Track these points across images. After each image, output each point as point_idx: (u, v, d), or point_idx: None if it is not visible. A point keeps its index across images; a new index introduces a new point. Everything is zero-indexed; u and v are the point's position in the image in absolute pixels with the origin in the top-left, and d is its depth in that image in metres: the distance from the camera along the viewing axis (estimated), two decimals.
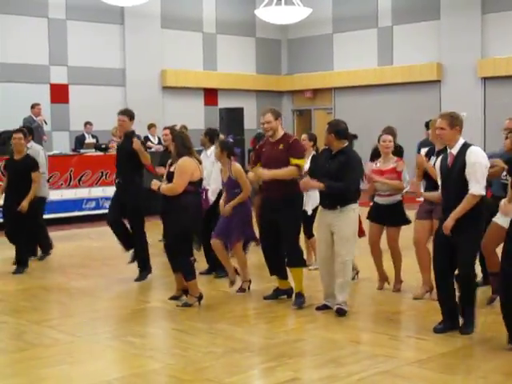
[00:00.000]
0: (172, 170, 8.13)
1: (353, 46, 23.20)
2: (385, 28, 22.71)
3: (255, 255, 10.72)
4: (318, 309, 7.88)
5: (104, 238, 13.78)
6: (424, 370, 5.91)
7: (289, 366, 6.05)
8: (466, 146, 6.77)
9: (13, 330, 7.37)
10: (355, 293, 8.58)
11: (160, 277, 9.67)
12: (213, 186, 9.67)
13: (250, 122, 22.73)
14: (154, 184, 8.06)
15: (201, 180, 8.30)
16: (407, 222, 8.74)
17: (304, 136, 10.05)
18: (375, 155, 9.53)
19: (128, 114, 9.76)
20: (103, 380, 5.78)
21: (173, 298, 8.37)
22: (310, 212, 9.71)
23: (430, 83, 21.56)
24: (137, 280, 9.55)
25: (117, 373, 6.04)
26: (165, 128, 11.73)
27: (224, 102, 22.96)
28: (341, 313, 7.61)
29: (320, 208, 7.95)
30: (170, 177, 8.14)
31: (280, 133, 8.10)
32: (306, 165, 9.68)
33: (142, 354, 6.45)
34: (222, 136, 10.72)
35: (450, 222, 6.67)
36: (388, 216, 8.64)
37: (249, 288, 8.86)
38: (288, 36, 24.94)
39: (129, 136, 9.61)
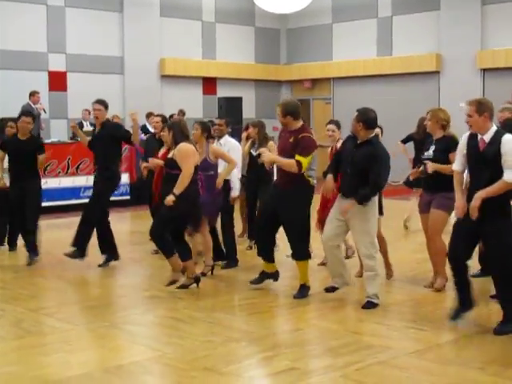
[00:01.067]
0: (171, 156, 8.13)
1: (352, 36, 23.15)
2: (384, 18, 22.66)
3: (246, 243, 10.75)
4: (327, 290, 7.92)
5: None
6: (422, 360, 5.92)
7: (286, 355, 6.05)
8: (499, 133, 6.61)
9: (11, 318, 7.36)
10: (352, 283, 8.54)
11: (157, 266, 9.67)
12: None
13: (249, 112, 22.72)
14: (169, 201, 7.99)
15: (197, 166, 8.30)
16: (382, 213, 8.64)
17: (333, 126, 9.80)
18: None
19: (104, 103, 9.78)
20: (101, 368, 5.79)
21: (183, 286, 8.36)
22: None
23: (429, 74, 21.53)
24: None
25: (114, 361, 6.03)
26: (156, 115, 11.79)
27: (223, 91, 22.93)
28: (369, 306, 7.53)
29: (339, 195, 7.79)
30: (169, 164, 8.13)
31: (297, 124, 7.93)
32: None
33: (140, 343, 6.45)
34: (219, 121, 10.67)
35: (477, 201, 6.41)
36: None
37: (211, 273, 8.99)
38: (287, 25, 24.88)
39: (107, 124, 9.79)
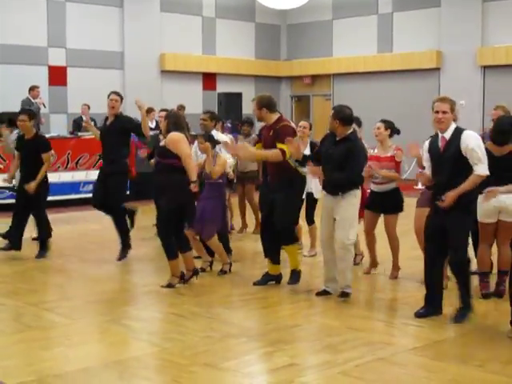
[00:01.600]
0: (162, 144, 8.15)
1: (352, 33, 23.14)
2: (385, 15, 22.64)
3: (250, 242, 10.78)
4: (318, 294, 7.90)
5: (101, 220, 13.79)
6: (420, 357, 5.93)
7: (285, 351, 6.06)
8: (459, 131, 6.78)
9: (11, 312, 7.38)
10: (353, 279, 8.55)
11: (158, 261, 9.67)
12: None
13: (249, 107, 22.66)
14: (194, 187, 8.08)
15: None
16: (400, 209, 8.72)
17: (305, 123, 10.05)
18: None
19: (120, 95, 9.86)
20: (100, 363, 5.80)
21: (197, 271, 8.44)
22: (317, 195, 9.80)
23: (429, 71, 21.52)
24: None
25: (114, 356, 6.04)
26: (161, 110, 11.76)
27: (222, 87, 22.93)
28: (344, 296, 7.64)
29: (323, 193, 7.95)
30: (161, 153, 8.16)
31: (272, 118, 8.07)
32: (305, 152, 9.74)
33: (139, 338, 6.46)
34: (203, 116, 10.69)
35: (453, 196, 6.60)
36: (385, 204, 8.62)
37: (230, 270, 8.99)
38: (287, 21, 24.86)
39: (120, 117, 9.83)
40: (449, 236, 6.79)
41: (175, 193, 8.04)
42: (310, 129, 10.15)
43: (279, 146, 7.88)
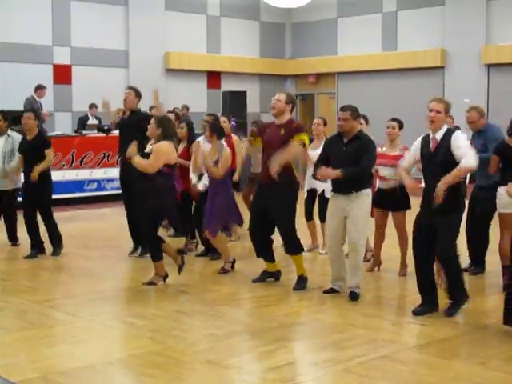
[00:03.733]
0: (148, 151, 8.19)
1: (357, 31, 23.13)
2: (389, 13, 22.63)
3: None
4: (326, 292, 7.91)
5: (105, 219, 13.83)
6: (423, 354, 5.94)
7: (288, 349, 6.09)
8: (450, 131, 6.85)
9: (15, 310, 7.40)
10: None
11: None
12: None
13: (253, 106, 22.73)
14: (131, 152, 8.15)
15: (175, 164, 8.42)
16: (409, 207, 8.76)
17: (319, 120, 10.10)
18: None
19: (135, 90, 9.86)
20: (104, 360, 5.82)
21: (150, 283, 8.37)
22: (328, 195, 9.81)
23: (433, 69, 21.51)
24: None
25: (117, 353, 6.07)
26: (169, 112, 11.78)
27: (227, 86, 22.94)
28: (353, 297, 7.63)
29: (332, 193, 7.87)
30: (145, 157, 8.20)
31: (285, 117, 8.08)
32: (319, 149, 9.80)
33: (143, 335, 6.47)
34: (222, 118, 10.76)
35: (443, 186, 6.60)
36: (392, 201, 8.62)
37: (232, 268, 9.02)
38: (292, 20, 24.85)
39: (137, 112, 9.81)
40: (438, 233, 6.81)
41: (149, 197, 8.11)
42: (325, 125, 10.14)
43: (298, 137, 7.87)
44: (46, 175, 10.03)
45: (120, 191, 10.57)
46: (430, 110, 6.84)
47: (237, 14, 23.68)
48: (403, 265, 8.85)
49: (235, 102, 20.90)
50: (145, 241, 8.45)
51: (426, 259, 7.01)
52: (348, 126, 7.60)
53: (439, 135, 6.83)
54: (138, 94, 9.86)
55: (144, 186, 8.16)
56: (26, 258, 9.91)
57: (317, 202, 10.11)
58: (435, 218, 6.77)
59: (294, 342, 6.37)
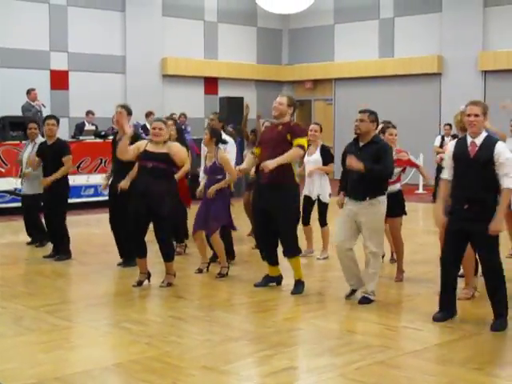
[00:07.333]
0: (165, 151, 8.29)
1: (354, 37, 23.19)
2: (386, 20, 22.69)
3: (249, 244, 10.78)
4: (348, 296, 7.89)
5: (102, 225, 13.80)
6: (420, 360, 5.93)
7: (285, 354, 6.07)
8: (490, 139, 6.73)
9: (11, 315, 7.39)
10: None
11: (157, 264, 9.68)
12: None
13: (250, 112, 22.68)
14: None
15: (145, 156, 8.46)
16: (404, 212, 8.77)
17: (316, 126, 10.18)
18: None
19: (127, 108, 9.74)
20: (100, 366, 5.81)
21: (139, 283, 8.55)
22: (325, 201, 9.89)
23: (430, 76, 21.56)
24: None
25: (114, 359, 6.06)
26: (167, 118, 11.74)
27: (224, 91, 22.98)
28: (365, 302, 7.65)
29: (346, 199, 7.80)
30: (152, 157, 8.28)
31: (286, 119, 8.14)
32: (315, 155, 9.88)
33: (139, 341, 6.46)
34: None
35: (498, 224, 6.59)
36: (389, 207, 8.59)
37: (227, 274, 9.01)
38: (289, 26, 24.90)
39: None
40: (479, 244, 6.78)
41: (130, 196, 8.46)
42: (321, 131, 10.22)
43: (298, 141, 7.92)
44: (62, 181, 10.23)
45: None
46: (469, 115, 6.74)
47: (234, 20, 23.72)
48: (399, 270, 8.86)
49: (232, 108, 20.89)
50: (128, 237, 8.70)
51: (453, 265, 6.92)
52: (364, 128, 7.60)
53: (479, 140, 6.71)
54: (130, 113, 9.71)
55: (159, 189, 8.20)
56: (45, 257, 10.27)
57: (316, 208, 10.18)
58: (471, 227, 6.66)
59: (291, 347, 6.36)
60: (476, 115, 6.72)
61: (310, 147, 10.02)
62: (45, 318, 7.22)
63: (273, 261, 8.44)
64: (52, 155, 10.20)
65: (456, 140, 7.06)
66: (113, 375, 5.66)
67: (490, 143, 6.69)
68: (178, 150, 8.33)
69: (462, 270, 8.01)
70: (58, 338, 6.62)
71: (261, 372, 5.73)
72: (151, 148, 8.29)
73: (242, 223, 12.01)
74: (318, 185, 10.04)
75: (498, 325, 6.69)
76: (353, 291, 7.92)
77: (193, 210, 9.99)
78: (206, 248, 9.30)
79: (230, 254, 9.66)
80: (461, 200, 6.74)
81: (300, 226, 9.85)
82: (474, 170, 6.68)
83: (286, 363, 5.84)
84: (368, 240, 7.63)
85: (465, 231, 6.74)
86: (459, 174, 6.83)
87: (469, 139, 6.78)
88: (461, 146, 6.85)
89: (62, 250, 10.25)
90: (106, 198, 10.11)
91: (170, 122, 10.68)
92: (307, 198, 10.18)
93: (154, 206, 8.19)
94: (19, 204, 12.33)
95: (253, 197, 8.89)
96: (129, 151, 8.34)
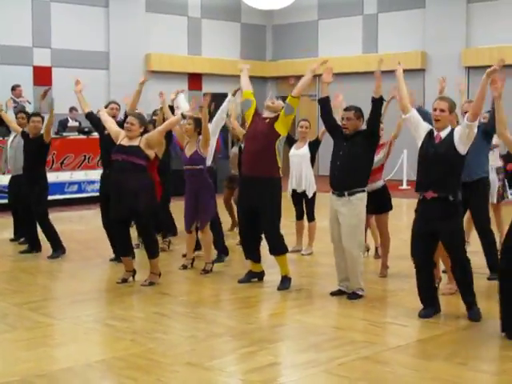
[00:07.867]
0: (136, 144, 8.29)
1: (338, 33, 23.20)
2: (370, 15, 22.72)
3: (232, 240, 10.78)
4: (333, 294, 7.87)
5: (86, 221, 13.78)
6: (404, 355, 5.96)
7: (269, 350, 6.08)
8: (452, 130, 6.81)
9: None
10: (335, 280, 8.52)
11: (143, 261, 9.66)
12: None
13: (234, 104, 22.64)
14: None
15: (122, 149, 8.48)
16: (391, 207, 8.78)
17: (305, 123, 10.18)
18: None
19: (118, 104, 9.89)
20: (84, 363, 5.79)
21: (123, 280, 8.52)
22: (310, 195, 9.91)
23: (414, 72, 21.55)
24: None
25: (98, 356, 6.04)
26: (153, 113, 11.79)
27: (208, 87, 22.89)
28: (353, 297, 7.68)
29: (329, 194, 7.81)
30: (123, 150, 8.26)
31: (274, 113, 8.36)
32: (303, 149, 9.90)
33: (124, 338, 6.45)
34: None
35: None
36: (374, 203, 8.57)
37: (211, 270, 9.00)
38: (273, 22, 24.88)
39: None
40: (447, 241, 6.83)
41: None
42: (310, 127, 10.25)
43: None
44: (41, 175, 10.16)
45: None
46: (434, 109, 6.81)
47: (218, 16, 23.67)
48: (384, 266, 8.87)
49: (216, 104, 20.81)
50: (113, 235, 8.81)
51: (426, 262, 6.94)
52: (352, 126, 7.70)
53: (444, 133, 6.78)
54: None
55: (136, 184, 8.13)
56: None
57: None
58: (438, 225, 6.71)
59: (276, 343, 6.36)
60: (442, 110, 6.78)
61: (298, 142, 10.08)
62: (28, 316, 7.19)
63: (256, 258, 8.44)
64: (35, 148, 10.10)
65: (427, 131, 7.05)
66: (97, 372, 5.64)
67: (451, 133, 6.76)
68: (150, 134, 8.35)
69: (443, 267, 8.07)
70: (42, 335, 6.59)
71: (245, 368, 5.73)
72: (125, 142, 8.28)
73: (223, 219, 12.04)
74: (304, 178, 10.02)
75: (474, 314, 6.83)
76: (339, 291, 7.89)
77: (178, 207, 9.98)
78: (194, 244, 9.28)
79: (223, 250, 9.69)
80: (421, 187, 6.80)
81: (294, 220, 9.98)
82: (436, 156, 6.70)
83: (270, 359, 5.85)
84: (346, 241, 7.56)
85: (431, 232, 6.80)
86: (422, 162, 6.90)
87: (435, 132, 6.87)
88: (426, 139, 6.91)
89: (54, 247, 10.15)
90: (90, 194, 10.10)
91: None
92: (296, 193, 10.15)
93: (128, 203, 8.15)
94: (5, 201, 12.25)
95: (238, 194, 8.88)
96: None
